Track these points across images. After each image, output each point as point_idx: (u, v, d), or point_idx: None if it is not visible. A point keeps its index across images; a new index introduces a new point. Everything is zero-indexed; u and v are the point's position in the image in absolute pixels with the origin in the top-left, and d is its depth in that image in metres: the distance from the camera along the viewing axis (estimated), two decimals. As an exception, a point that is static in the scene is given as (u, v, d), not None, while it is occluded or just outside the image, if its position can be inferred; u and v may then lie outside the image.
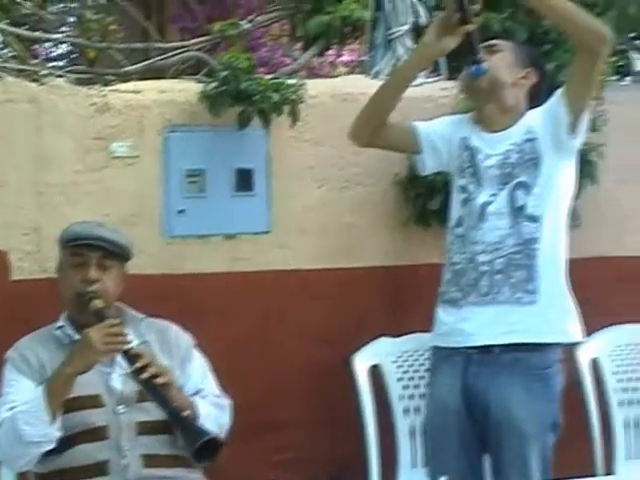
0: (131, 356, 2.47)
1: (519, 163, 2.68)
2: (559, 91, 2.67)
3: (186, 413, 2.47)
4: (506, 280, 2.63)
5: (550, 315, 2.65)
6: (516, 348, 2.62)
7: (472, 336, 2.65)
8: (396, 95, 2.75)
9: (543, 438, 2.66)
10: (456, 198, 2.77)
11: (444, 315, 2.73)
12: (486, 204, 2.67)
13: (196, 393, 2.64)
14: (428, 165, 2.86)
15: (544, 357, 2.65)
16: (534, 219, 2.65)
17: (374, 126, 2.79)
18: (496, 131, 2.73)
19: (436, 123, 2.86)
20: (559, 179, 2.69)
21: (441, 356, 2.74)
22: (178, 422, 2.47)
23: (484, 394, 2.64)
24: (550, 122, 2.67)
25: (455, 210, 2.77)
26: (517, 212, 2.66)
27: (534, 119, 2.71)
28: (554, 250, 2.67)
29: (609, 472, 3.32)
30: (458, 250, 2.71)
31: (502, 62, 2.72)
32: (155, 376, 2.44)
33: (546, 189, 2.66)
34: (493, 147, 2.71)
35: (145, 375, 2.44)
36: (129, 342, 2.50)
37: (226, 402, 2.70)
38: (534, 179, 2.66)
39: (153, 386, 2.45)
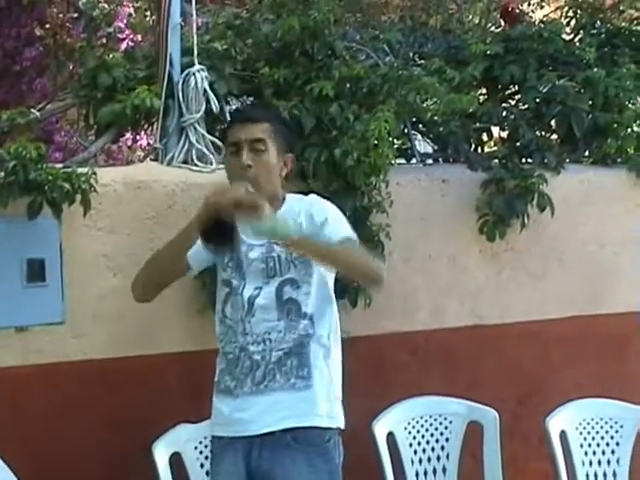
0: None
1: (284, 258, 2.68)
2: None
3: None
4: (279, 368, 2.68)
5: (322, 399, 2.71)
6: (295, 429, 2.67)
7: (251, 424, 2.67)
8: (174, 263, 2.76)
9: None
10: (221, 291, 2.76)
11: (221, 405, 2.74)
12: (252, 297, 2.68)
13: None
14: (193, 267, 2.81)
15: (322, 433, 2.71)
16: (304, 315, 2.69)
17: (162, 285, 2.81)
18: None
19: None
20: (328, 274, 2.74)
21: (221, 444, 2.74)
22: None
23: (269, 475, 2.67)
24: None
25: (220, 303, 2.76)
26: (285, 305, 2.68)
27: (300, 219, 2.69)
28: (325, 338, 2.72)
29: (409, 543, 3.41)
30: (229, 340, 2.72)
31: (269, 162, 2.71)
32: None
33: (316, 286, 2.70)
34: (252, 238, 2.65)
35: None
36: None
37: None
38: (303, 277, 2.68)
39: None
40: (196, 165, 3.53)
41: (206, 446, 3.22)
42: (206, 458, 3.22)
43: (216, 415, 2.76)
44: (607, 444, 3.63)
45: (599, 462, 3.61)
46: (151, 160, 3.69)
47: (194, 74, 3.57)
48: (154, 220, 3.34)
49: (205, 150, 3.56)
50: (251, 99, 3.90)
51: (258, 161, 2.70)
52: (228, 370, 2.72)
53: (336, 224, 2.72)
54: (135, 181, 3.36)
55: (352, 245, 2.70)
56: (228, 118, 2.70)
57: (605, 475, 3.61)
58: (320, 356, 2.71)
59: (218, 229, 2.46)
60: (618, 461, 3.62)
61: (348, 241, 2.69)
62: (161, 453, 3.15)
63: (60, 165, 3.32)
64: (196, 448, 3.23)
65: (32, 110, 3.67)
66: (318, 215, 2.72)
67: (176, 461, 3.19)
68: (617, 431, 3.64)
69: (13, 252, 3.19)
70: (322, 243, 2.63)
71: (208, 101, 3.61)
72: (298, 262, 2.69)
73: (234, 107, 2.98)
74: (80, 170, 3.19)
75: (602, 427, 3.64)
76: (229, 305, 2.73)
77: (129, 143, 5.50)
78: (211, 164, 3.53)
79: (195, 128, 3.59)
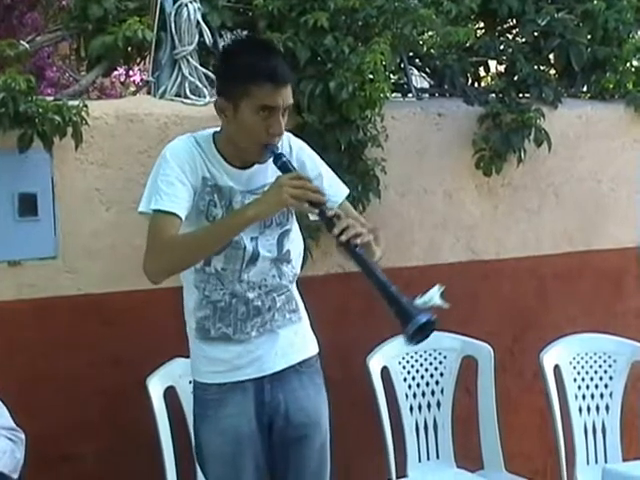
0: None
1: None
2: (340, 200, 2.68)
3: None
4: (275, 307, 2.68)
5: (308, 327, 2.77)
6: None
7: (263, 365, 2.67)
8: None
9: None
10: None
11: (217, 352, 2.66)
12: (256, 250, 2.61)
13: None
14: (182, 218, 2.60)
15: (316, 357, 2.78)
16: (290, 260, 2.68)
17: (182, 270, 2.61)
18: (245, 168, 2.56)
19: (180, 190, 2.51)
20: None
21: (223, 389, 2.67)
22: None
23: (283, 402, 2.69)
24: None
25: None
26: (283, 256, 2.66)
27: (294, 163, 2.58)
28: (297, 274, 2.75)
29: (402, 475, 3.44)
30: (215, 288, 2.64)
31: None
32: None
33: (296, 230, 2.69)
34: (246, 184, 2.58)
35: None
36: None
37: (22, 436, 2.61)
38: (292, 225, 2.66)
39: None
40: (189, 98, 3.48)
41: (201, 380, 3.24)
42: (201, 392, 3.24)
43: (212, 363, 2.67)
44: (600, 378, 3.65)
45: (592, 396, 3.64)
46: (144, 94, 3.64)
47: (186, 5, 3.50)
48: (146, 154, 3.30)
49: (198, 83, 3.52)
50: (245, 32, 3.85)
51: (283, 121, 2.52)
52: (218, 317, 2.65)
53: (332, 179, 2.70)
54: (127, 114, 3.32)
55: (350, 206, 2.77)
56: (249, 67, 2.45)
57: (598, 409, 3.64)
58: (295, 287, 2.75)
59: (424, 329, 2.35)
60: (611, 395, 3.65)
61: (346, 199, 2.72)
62: (156, 387, 3.16)
63: (51, 98, 3.27)
64: (190, 382, 3.23)
65: (21, 42, 3.61)
66: (311, 166, 2.65)
67: (170, 394, 3.20)
68: (610, 365, 3.66)
69: (4, 186, 3.17)
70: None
71: (201, 34, 3.55)
72: (290, 212, 2.65)
73: (244, 50, 2.59)
74: (71, 103, 3.15)
75: (596, 362, 3.66)
76: (222, 257, 2.61)
77: (122, 79, 5.42)
78: (204, 97, 3.49)
79: (188, 61, 3.54)
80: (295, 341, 2.71)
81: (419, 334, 2.34)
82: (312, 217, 2.63)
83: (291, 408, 2.69)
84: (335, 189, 2.68)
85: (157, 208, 2.51)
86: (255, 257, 2.62)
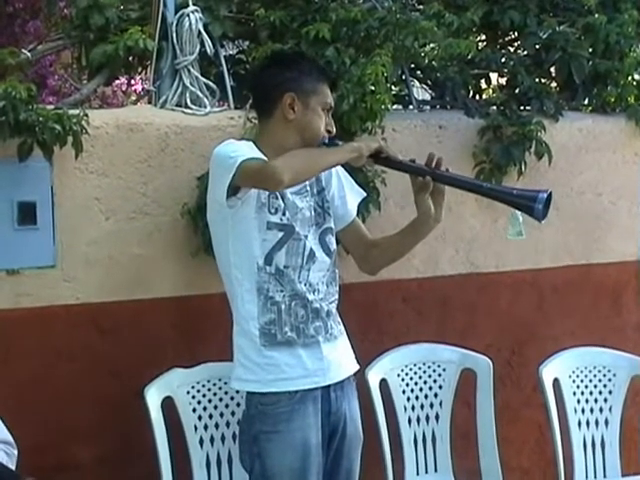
0: None
1: (320, 206, 2.80)
2: (354, 216, 2.99)
3: None
4: (332, 314, 2.76)
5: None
6: None
7: (330, 372, 2.72)
8: None
9: None
10: (266, 235, 2.68)
11: (286, 357, 2.67)
12: (312, 245, 2.71)
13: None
14: (241, 196, 2.69)
15: None
16: (337, 267, 2.83)
17: None
18: None
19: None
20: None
21: (295, 399, 2.66)
22: None
23: (343, 411, 2.75)
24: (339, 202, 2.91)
25: (265, 249, 2.67)
26: (331, 256, 2.79)
27: (331, 180, 2.88)
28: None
29: (400, 488, 3.43)
30: (275, 288, 2.67)
31: None
32: None
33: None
34: None
35: None
36: None
37: (14, 452, 2.57)
38: (330, 223, 2.82)
39: None
40: (189, 108, 3.47)
41: (198, 391, 3.23)
42: (198, 403, 3.23)
43: (281, 370, 2.66)
44: (600, 392, 3.64)
45: (591, 410, 3.62)
46: (146, 103, 3.63)
47: (188, 15, 3.50)
48: (147, 163, 3.30)
49: (199, 93, 3.51)
50: (246, 42, 3.85)
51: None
52: (283, 320, 2.67)
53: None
54: (127, 124, 3.30)
55: None
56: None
57: (597, 423, 3.62)
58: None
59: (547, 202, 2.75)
60: (610, 409, 3.63)
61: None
62: (153, 397, 3.14)
63: (51, 106, 3.27)
64: (188, 392, 3.23)
65: (23, 50, 3.61)
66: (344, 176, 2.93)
67: (168, 405, 3.18)
68: (610, 379, 3.65)
69: (4, 194, 3.15)
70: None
71: (202, 44, 3.55)
72: (326, 212, 2.81)
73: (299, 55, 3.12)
74: (71, 112, 3.13)
75: (595, 375, 3.65)
76: (283, 251, 2.67)
77: (124, 88, 5.43)
78: (205, 107, 3.48)
79: (189, 71, 3.54)
80: (349, 351, 2.80)
81: (546, 208, 2.74)
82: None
83: (348, 418, 2.75)
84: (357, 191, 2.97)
85: (248, 157, 2.58)
86: (313, 253, 2.70)
